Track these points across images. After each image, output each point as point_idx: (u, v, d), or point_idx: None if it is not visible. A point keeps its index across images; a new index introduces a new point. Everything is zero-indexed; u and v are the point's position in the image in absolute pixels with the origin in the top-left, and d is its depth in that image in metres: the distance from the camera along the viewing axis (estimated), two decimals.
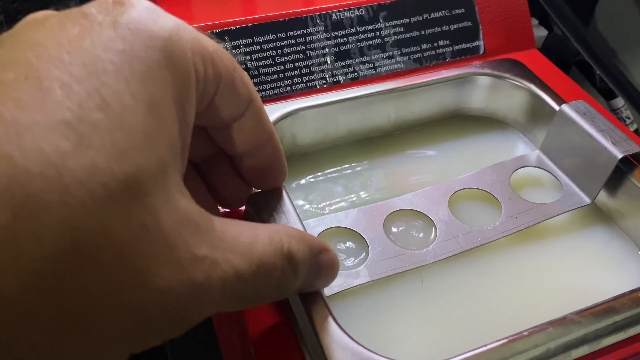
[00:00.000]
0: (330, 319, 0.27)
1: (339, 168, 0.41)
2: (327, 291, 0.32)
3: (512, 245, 0.36)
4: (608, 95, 0.53)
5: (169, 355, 0.51)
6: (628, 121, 0.54)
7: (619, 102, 0.53)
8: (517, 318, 0.33)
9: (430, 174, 0.42)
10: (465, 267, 0.35)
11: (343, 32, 0.41)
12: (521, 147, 0.44)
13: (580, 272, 0.36)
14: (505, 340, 0.28)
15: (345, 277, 0.33)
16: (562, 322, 0.28)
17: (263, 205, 0.31)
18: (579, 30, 0.23)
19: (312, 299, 0.28)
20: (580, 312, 0.29)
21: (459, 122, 0.45)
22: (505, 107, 0.44)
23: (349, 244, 0.35)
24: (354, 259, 0.34)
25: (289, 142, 0.40)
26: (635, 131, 0.54)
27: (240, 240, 0.19)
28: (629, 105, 0.25)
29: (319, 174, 0.41)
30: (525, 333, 0.28)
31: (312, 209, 0.39)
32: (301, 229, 0.30)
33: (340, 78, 0.41)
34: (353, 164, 0.42)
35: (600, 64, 0.24)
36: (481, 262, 0.35)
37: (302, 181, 0.40)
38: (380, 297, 0.33)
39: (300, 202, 0.39)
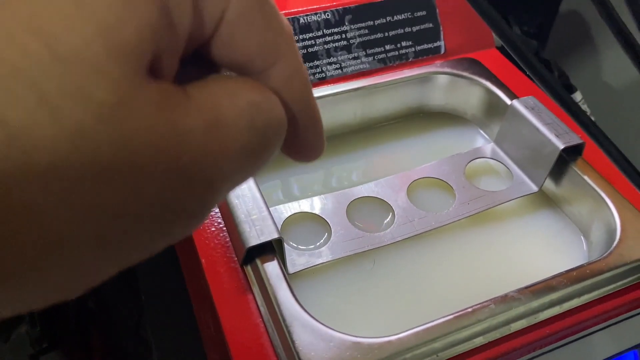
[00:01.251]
0: (292, 298, 0.30)
1: (309, 163, 0.44)
2: (291, 269, 0.35)
3: (464, 229, 0.40)
4: (566, 91, 0.57)
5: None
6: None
7: (577, 96, 0.57)
8: (464, 296, 0.36)
9: (394, 167, 0.45)
10: (418, 250, 0.38)
11: (310, 34, 0.44)
12: (479, 141, 0.47)
13: (527, 254, 0.39)
14: (451, 316, 0.31)
15: (308, 256, 0.36)
16: (503, 299, 0.31)
17: (232, 191, 0.34)
18: (525, 55, 0.26)
19: (276, 278, 0.31)
20: (520, 290, 0.32)
21: (422, 118, 0.48)
22: (464, 103, 0.47)
23: (313, 227, 0.38)
24: (317, 240, 0.37)
25: None
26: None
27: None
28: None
29: (288, 168, 0.44)
30: (470, 310, 0.31)
31: (281, 198, 0.42)
32: (265, 211, 0.33)
33: (309, 78, 0.44)
34: (321, 159, 0.45)
35: (543, 82, 0.27)
36: (434, 245, 0.39)
37: (273, 175, 0.43)
38: (337, 278, 0.37)
39: (271, 194, 0.42)
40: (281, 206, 0.39)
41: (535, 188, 0.41)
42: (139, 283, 0.57)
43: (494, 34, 0.50)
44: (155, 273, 0.57)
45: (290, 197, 0.43)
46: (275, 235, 0.32)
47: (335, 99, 0.44)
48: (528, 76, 0.48)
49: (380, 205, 0.40)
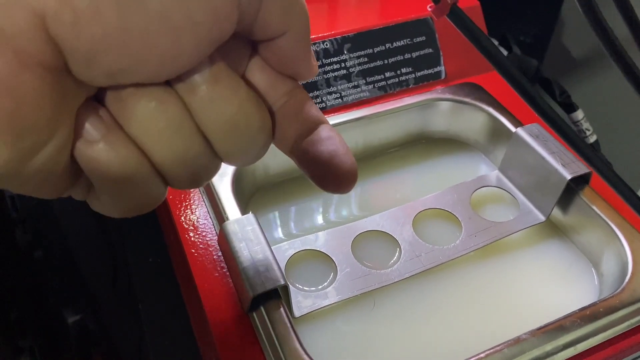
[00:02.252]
0: (301, 349, 0.30)
1: (310, 195, 0.43)
2: (297, 312, 0.34)
3: (469, 263, 0.39)
4: (568, 109, 0.56)
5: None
6: (588, 133, 0.56)
7: (579, 114, 0.56)
8: (472, 338, 0.35)
9: (398, 196, 0.44)
10: (421, 286, 0.38)
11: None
12: (483, 167, 0.46)
13: (536, 288, 0.38)
14: None
15: (314, 298, 0.35)
16: (516, 342, 0.31)
17: (235, 233, 0.34)
18: (522, 84, 0.26)
19: (280, 322, 0.31)
20: (532, 332, 0.31)
21: (424, 145, 0.48)
22: (467, 129, 0.47)
23: (318, 265, 0.37)
24: (322, 280, 0.37)
25: (262, 172, 0.42)
26: (595, 142, 0.57)
27: None
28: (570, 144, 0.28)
29: (291, 201, 0.43)
30: (482, 355, 0.30)
31: (284, 233, 0.41)
32: (270, 255, 0.33)
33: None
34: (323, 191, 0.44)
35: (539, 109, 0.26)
36: (439, 281, 0.38)
37: (275, 208, 0.43)
38: (340, 320, 0.36)
39: (273, 228, 0.42)
40: (284, 244, 0.38)
41: (542, 218, 0.40)
42: (139, 306, 0.56)
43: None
44: (156, 296, 0.56)
45: (291, 231, 0.42)
46: (281, 282, 0.31)
47: (337, 129, 0.43)
48: None
49: (386, 239, 0.39)
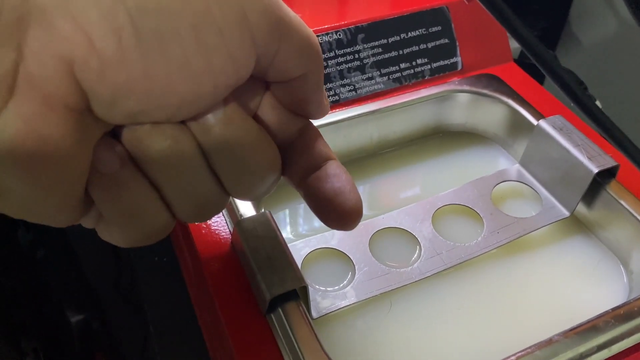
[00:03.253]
0: (322, 352, 0.28)
1: None
2: (315, 314, 0.33)
3: (494, 260, 0.37)
4: None
5: None
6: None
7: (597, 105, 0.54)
8: (497, 338, 0.34)
9: (415, 191, 0.43)
10: (449, 285, 0.36)
11: (323, 56, 0.41)
12: (502, 161, 0.45)
13: (563, 285, 0.37)
14: None
15: (332, 298, 0.34)
16: (548, 343, 0.29)
17: (250, 231, 0.32)
18: (542, 54, 0.24)
19: (300, 324, 0.29)
20: (565, 333, 0.30)
21: (441, 138, 0.46)
22: (485, 122, 0.45)
23: (335, 264, 0.36)
24: (340, 279, 0.35)
25: None
26: None
27: None
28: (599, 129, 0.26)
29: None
30: (513, 358, 0.29)
31: (299, 231, 0.40)
32: (287, 254, 0.31)
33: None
34: None
35: (565, 87, 0.25)
36: (464, 278, 0.36)
37: (290, 205, 0.41)
38: (358, 321, 0.34)
39: (288, 225, 0.40)
40: (300, 242, 0.37)
41: (566, 213, 0.38)
42: (144, 306, 0.55)
43: (511, 46, 0.48)
44: (162, 296, 0.55)
45: (305, 229, 0.40)
46: (302, 283, 0.30)
47: (351, 122, 0.42)
48: (550, 91, 0.46)
49: (405, 237, 0.38)
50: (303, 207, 0.41)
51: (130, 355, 0.64)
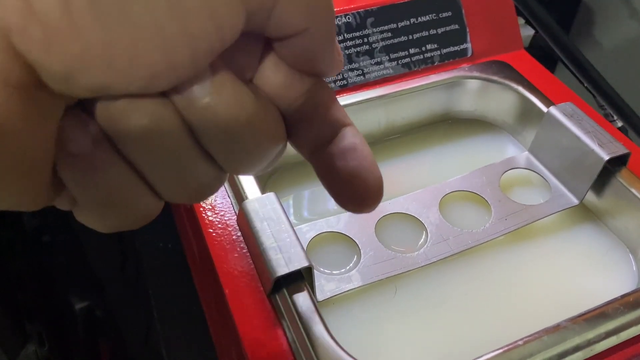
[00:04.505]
0: (326, 333, 0.28)
1: None
2: (320, 296, 0.32)
3: (501, 246, 0.37)
4: None
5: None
6: (615, 117, 0.54)
7: None
8: (503, 324, 0.33)
9: (422, 178, 0.42)
10: (456, 271, 0.36)
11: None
12: (511, 149, 0.44)
13: (570, 272, 0.36)
14: (500, 350, 0.28)
15: (337, 281, 0.34)
16: (556, 329, 0.29)
17: (256, 212, 0.32)
18: (559, 36, 0.24)
19: (304, 305, 0.29)
20: (573, 319, 0.29)
21: (449, 125, 0.46)
22: (495, 109, 0.45)
23: (340, 248, 0.36)
24: (346, 263, 0.35)
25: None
26: (622, 127, 0.55)
27: None
28: (614, 112, 0.26)
29: (311, 182, 0.41)
30: (520, 342, 0.28)
31: (305, 215, 0.40)
32: (292, 235, 0.31)
33: (330, 86, 0.41)
34: None
35: (581, 69, 0.24)
36: (471, 265, 0.36)
37: (296, 189, 0.41)
38: (363, 304, 0.34)
39: (294, 209, 0.40)
40: (305, 225, 0.36)
41: (576, 201, 0.38)
42: (149, 292, 0.55)
43: (522, 34, 0.47)
44: (166, 282, 0.55)
45: (311, 213, 0.40)
46: (305, 263, 0.29)
47: (359, 107, 0.42)
48: (560, 79, 0.45)
49: (411, 222, 0.37)
50: (309, 191, 0.41)
51: (133, 342, 0.64)
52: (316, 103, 0.20)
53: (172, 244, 0.55)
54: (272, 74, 0.19)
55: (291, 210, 0.40)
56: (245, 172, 0.19)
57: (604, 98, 0.25)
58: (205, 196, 0.19)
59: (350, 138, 0.20)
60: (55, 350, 0.65)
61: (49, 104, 0.16)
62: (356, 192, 0.21)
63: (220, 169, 0.19)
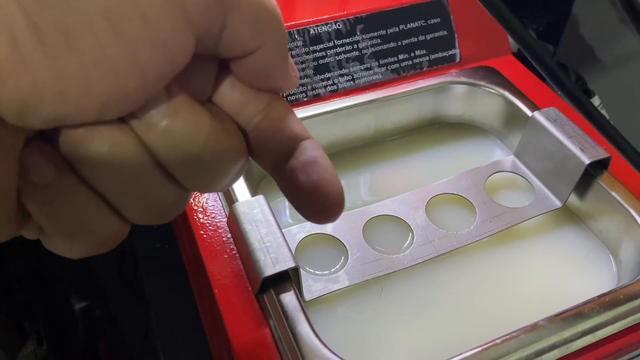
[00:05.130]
0: (311, 332, 0.29)
1: None
2: (307, 296, 0.33)
3: (486, 248, 0.38)
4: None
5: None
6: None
7: (595, 101, 0.55)
8: (487, 324, 0.34)
9: (410, 181, 0.43)
10: (441, 272, 0.37)
11: (321, 46, 0.42)
12: (498, 153, 0.45)
13: (552, 275, 0.37)
14: (479, 348, 0.29)
15: (325, 282, 0.35)
16: (533, 328, 0.30)
17: (245, 214, 0.33)
18: (543, 57, 0.25)
19: (290, 304, 0.30)
20: (550, 318, 0.30)
21: (438, 129, 0.47)
22: (482, 114, 0.46)
23: (328, 249, 0.37)
24: (333, 264, 0.36)
25: None
26: None
27: None
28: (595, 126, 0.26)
29: None
30: (498, 341, 0.29)
31: (293, 218, 0.41)
32: (280, 237, 0.32)
33: (320, 91, 0.42)
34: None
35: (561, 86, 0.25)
36: (456, 266, 0.37)
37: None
38: (349, 304, 0.35)
39: (284, 211, 0.41)
40: (295, 227, 0.37)
41: (558, 203, 0.39)
42: (146, 292, 0.56)
43: (510, 39, 0.48)
44: (163, 283, 0.55)
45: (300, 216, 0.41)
46: (292, 264, 0.30)
47: (349, 112, 0.43)
48: (547, 84, 0.46)
49: (398, 224, 0.38)
50: None
51: (132, 342, 0.65)
52: (275, 119, 0.20)
53: (169, 245, 0.56)
54: (228, 93, 0.20)
55: (287, 212, 0.41)
56: (209, 190, 0.20)
57: (578, 108, 0.26)
58: (171, 216, 0.20)
59: (310, 151, 0.21)
60: (54, 350, 0.66)
61: (7, 137, 0.16)
62: (318, 204, 0.21)
63: (184, 188, 0.19)
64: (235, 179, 0.20)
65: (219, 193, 0.37)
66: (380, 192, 0.43)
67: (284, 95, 0.24)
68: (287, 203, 0.42)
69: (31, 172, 0.17)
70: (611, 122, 0.29)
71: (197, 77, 0.19)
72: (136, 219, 0.19)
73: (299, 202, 0.21)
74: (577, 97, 0.27)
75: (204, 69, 0.19)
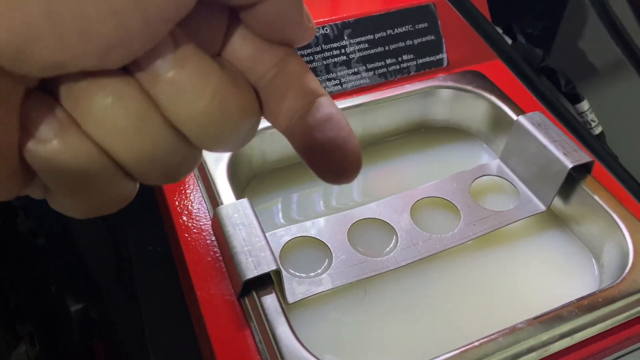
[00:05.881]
0: (292, 335, 0.29)
1: (307, 182, 0.43)
2: (290, 299, 0.34)
3: (470, 251, 0.38)
4: (573, 100, 0.55)
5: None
6: (593, 124, 0.56)
7: (585, 105, 0.55)
8: (468, 327, 0.35)
9: (397, 185, 0.44)
10: (417, 275, 0.37)
11: (309, 50, 0.43)
12: (484, 156, 0.45)
13: (536, 278, 0.37)
14: (457, 351, 0.29)
15: (308, 284, 0.35)
16: (511, 331, 0.30)
17: (229, 217, 0.33)
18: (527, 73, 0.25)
19: (271, 307, 0.30)
20: (529, 321, 0.31)
21: (424, 134, 0.47)
22: (468, 118, 0.46)
23: (313, 252, 0.37)
24: (317, 266, 0.36)
25: (259, 159, 0.42)
26: (601, 134, 0.56)
27: None
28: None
29: (288, 188, 0.42)
30: (476, 343, 0.30)
31: (280, 220, 0.41)
32: (263, 240, 0.32)
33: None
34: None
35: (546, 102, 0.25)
36: (440, 269, 0.37)
37: (272, 195, 0.42)
38: (333, 307, 0.35)
39: (270, 215, 0.41)
40: (280, 230, 0.38)
41: (543, 207, 0.39)
42: (138, 294, 0.56)
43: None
44: (155, 285, 0.56)
45: (288, 218, 0.41)
46: (273, 267, 0.31)
47: None
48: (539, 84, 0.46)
49: (383, 227, 0.38)
50: (285, 197, 0.42)
51: (128, 344, 0.65)
52: (289, 74, 0.19)
53: (162, 247, 0.56)
54: (240, 47, 0.19)
55: (269, 213, 0.42)
56: (219, 149, 0.19)
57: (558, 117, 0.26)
58: (180, 176, 0.19)
59: (326, 108, 0.20)
60: (47, 351, 0.67)
61: (6, 86, 0.15)
62: (335, 162, 0.20)
63: (193, 146, 0.18)
64: (247, 138, 0.19)
65: (204, 195, 0.37)
66: (367, 195, 0.43)
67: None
68: (279, 205, 0.42)
69: (32, 125, 0.16)
70: (587, 128, 0.29)
71: (206, 28, 0.18)
72: (143, 177, 0.18)
73: (314, 162, 0.20)
74: (552, 102, 0.27)
75: (213, 20, 0.18)
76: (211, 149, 0.19)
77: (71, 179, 0.17)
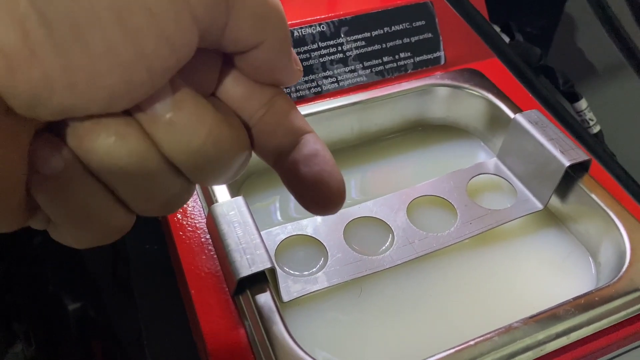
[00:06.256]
0: (286, 333, 0.29)
1: None
2: (286, 297, 0.34)
3: (467, 250, 0.38)
4: (571, 98, 0.55)
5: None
6: (591, 123, 0.55)
7: (583, 104, 0.55)
8: (464, 326, 0.34)
9: (394, 183, 0.43)
10: (420, 273, 0.37)
11: (305, 48, 0.42)
12: (481, 155, 0.45)
13: (532, 277, 0.37)
14: (452, 350, 0.29)
15: (304, 283, 0.35)
16: (507, 330, 0.30)
17: (224, 215, 0.33)
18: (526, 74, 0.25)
19: (265, 306, 0.30)
20: (525, 320, 0.30)
21: (421, 132, 0.47)
22: (466, 116, 0.46)
23: (308, 250, 0.37)
24: (313, 265, 0.36)
25: (255, 157, 0.42)
26: (599, 132, 0.56)
27: None
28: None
29: (284, 186, 0.42)
30: (472, 342, 0.29)
31: (276, 219, 0.41)
32: (258, 239, 0.32)
33: (304, 93, 0.42)
34: None
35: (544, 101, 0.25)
36: (436, 267, 0.37)
37: (268, 194, 0.42)
38: (328, 305, 0.35)
39: (265, 213, 0.41)
40: (276, 228, 0.37)
41: (540, 206, 0.39)
42: (134, 294, 0.56)
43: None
44: (152, 284, 0.55)
45: (284, 216, 0.41)
46: (268, 265, 0.31)
47: (332, 114, 0.43)
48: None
49: (379, 226, 0.38)
50: (281, 195, 0.42)
51: (126, 343, 0.65)
52: (277, 113, 0.21)
53: (159, 247, 0.56)
54: (232, 87, 0.20)
55: (265, 211, 0.41)
56: (213, 183, 0.20)
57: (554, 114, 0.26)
58: (175, 208, 0.20)
59: (312, 144, 0.21)
60: (43, 350, 0.66)
61: (18, 129, 0.17)
62: (320, 195, 0.22)
63: (188, 180, 0.20)
64: (239, 172, 0.21)
65: (198, 193, 0.37)
66: (364, 193, 0.43)
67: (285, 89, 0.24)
68: (275, 204, 0.42)
69: (40, 163, 0.17)
70: (584, 127, 0.29)
71: (201, 71, 0.20)
72: (141, 210, 0.19)
73: (301, 194, 0.22)
74: (549, 101, 0.27)
75: (208, 63, 0.20)
76: (205, 182, 0.20)
77: (73, 212, 0.18)
